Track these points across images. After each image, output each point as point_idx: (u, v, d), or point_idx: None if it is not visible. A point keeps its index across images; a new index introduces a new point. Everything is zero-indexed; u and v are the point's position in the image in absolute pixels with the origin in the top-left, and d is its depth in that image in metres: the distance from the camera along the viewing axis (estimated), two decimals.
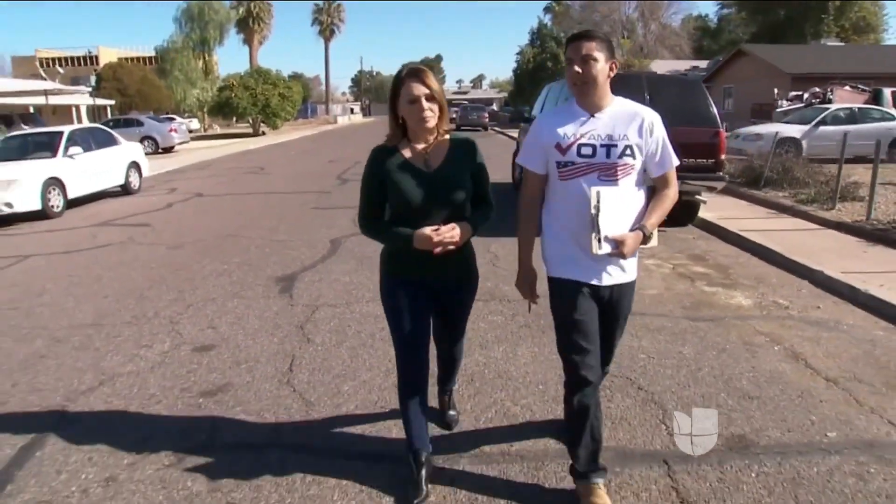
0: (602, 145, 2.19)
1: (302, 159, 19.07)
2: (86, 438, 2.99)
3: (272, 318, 4.61)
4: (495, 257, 6.10)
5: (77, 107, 32.40)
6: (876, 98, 17.09)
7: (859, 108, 15.34)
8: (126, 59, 49.82)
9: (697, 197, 7.52)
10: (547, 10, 60.80)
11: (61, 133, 10.65)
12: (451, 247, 2.24)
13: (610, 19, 54.77)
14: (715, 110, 7.39)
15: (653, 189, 2.31)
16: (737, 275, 5.80)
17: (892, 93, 17.16)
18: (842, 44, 33.17)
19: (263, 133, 36.66)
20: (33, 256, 7.00)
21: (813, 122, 14.90)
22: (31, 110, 26.33)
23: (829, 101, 16.92)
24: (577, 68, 2.15)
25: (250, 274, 5.87)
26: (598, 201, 2.12)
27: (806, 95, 18.10)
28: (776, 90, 20.72)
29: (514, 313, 4.59)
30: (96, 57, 55.35)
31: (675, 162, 2.30)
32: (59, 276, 6.03)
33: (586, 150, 2.19)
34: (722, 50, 38.39)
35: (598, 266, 2.26)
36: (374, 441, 2.91)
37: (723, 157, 7.29)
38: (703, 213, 8.17)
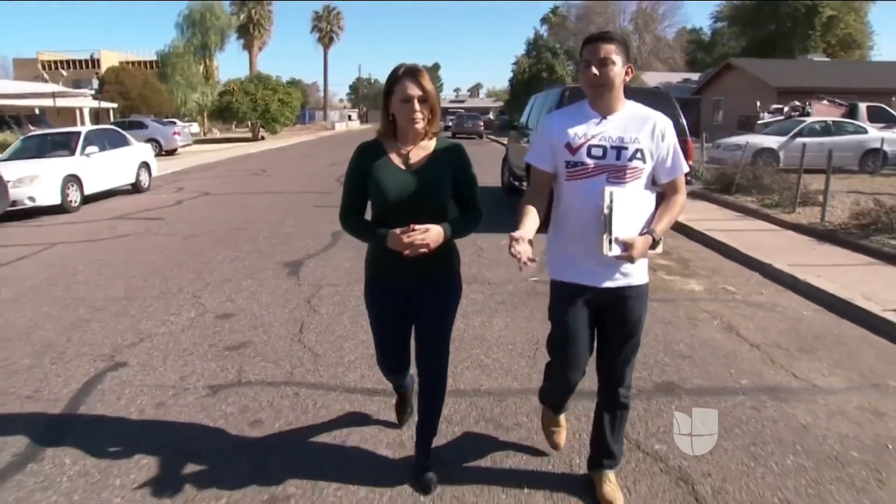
0: (613, 147, 2.17)
1: (302, 163, 19.77)
2: (135, 378, 3.67)
3: (282, 294, 5.29)
4: (480, 249, 6.78)
5: (80, 109, 33.05)
6: (852, 112, 17.92)
7: (834, 122, 16.13)
8: (127, 62, 50.33)
9: None
10: (543, 20, 61.81)
11: (79, 133, 11.34)
12: (423, 250, 2.20)
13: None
14: (684, 121, 8.11)
15: (661, 195, 2.28)
16: (695, 267, 6.50)
17: (867, 107, 17.99)
18: (827, 59, 34.17)
19: (263, 138, 37.34)
20: (60, 244, 7.66)
21: (790, 134, 15.69)
22: (37, 112, 27.01)
23: (808, 115, 17.73)
24: (594, 70, 2.13)
25: (261, 260, 6.55)
26: (612, 201, 2.09)
27: (786, 109, 18.93)
28: (758, 103, 21.57)
29: (492, 293, 5.28)
30: (98, 60, 55.84)
31: (685, 168, 2.28)
32: (88, 260, 6.70)
33: (597, 152, 2.18)
34: (715, 63, 39.35)
35: (601, 270, 2.23)
36: (371, 380, 3.58)
37: (691, 162, 8.02)
38: None
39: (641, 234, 2.15)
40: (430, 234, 2.21)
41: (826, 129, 15.74)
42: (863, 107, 17.93)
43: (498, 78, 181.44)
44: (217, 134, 44.86)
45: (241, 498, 2.52)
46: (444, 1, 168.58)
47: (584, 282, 2.26)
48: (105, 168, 11.42)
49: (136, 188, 12.66)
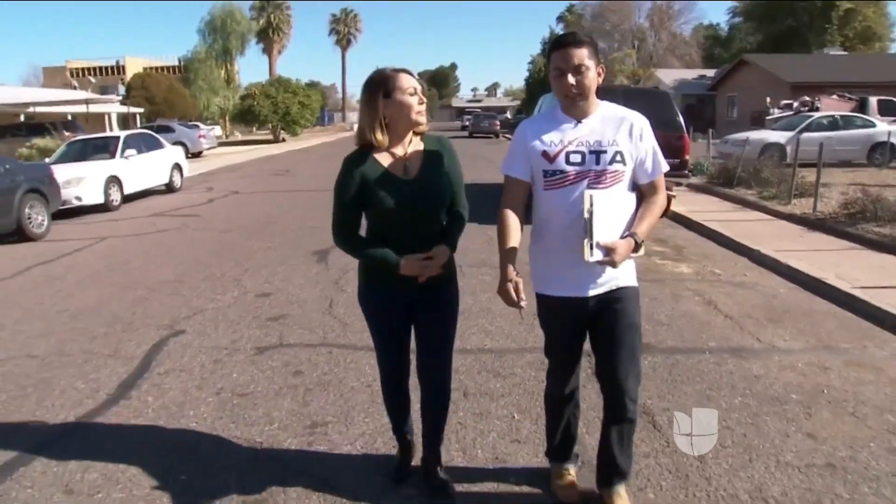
0: (591, 152, 2.10)
1: (324, 163, 20.56)
2: (194, 342, 4.37)
3: (313, 277, 5.98)
4: (490, 238, 7.41)
5: (108, 115, 34.29)
6: (862, 106, 18.17)
7: (842, 116, 16.44)
8: (151, 68, 51.58)
9: (669, 193, 8.81)
10: (559, 19, 62.16)
11: (118, 137, 12.20)
12: (437, 272, 2.23)
13: (621, 28, 56.04)
14: (681, 118, 8.67)
15: (640, 196, 2.22)
16: (688, 252, 7.06)
17: (878, 101, 18.23)
18: (843, 53, 34.13)
19: (284, 140, 38.32)
20: (109, 238, 8.45)
21: (797, 129, 16.05)
22: (69, 118, 28.20)
23: (817, 110, 18.04)
24: (570, 80, 2.05)
25: (291, 249, 7.26)
26: (592, 205, 2.02)
27: (795, 104, 19.24)
28: (768, 99, 21.87)
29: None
30: (123, 66, 57.38)
31: (665, 168, 2.22)
32: (137, 251, 7.47)
33: (575, 158, 2.11)
34: (733, 58, 39.43)
35: (585, 278, 2.18)
36: None
37: (687, 157, 8.58)
38: (675, 206, 9.42)
39: (623, 237, 2.09)
40: (444, 257, 2.23)
41: (833, 124, 16.05)
42: (873, 100, 18.18)
43: (515, 77, 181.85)
44: (239, 136, 45.96)
45: (289, 424, 3.19)
46: (460, 1, 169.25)
47: (569, 293, 2.20)
48: (142, 169, 12.25)
49: (169, 188, 13.50)
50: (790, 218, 8.64)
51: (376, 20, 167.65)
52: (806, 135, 15.84)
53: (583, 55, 2.04)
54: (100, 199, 10.79)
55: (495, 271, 2.40)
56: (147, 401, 3.48)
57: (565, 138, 2.13)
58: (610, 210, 2.07)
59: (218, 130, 44.37)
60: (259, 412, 3.32)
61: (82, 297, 5.59)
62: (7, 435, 3.15)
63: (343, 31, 68.48)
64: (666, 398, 3.41)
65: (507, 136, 37.58)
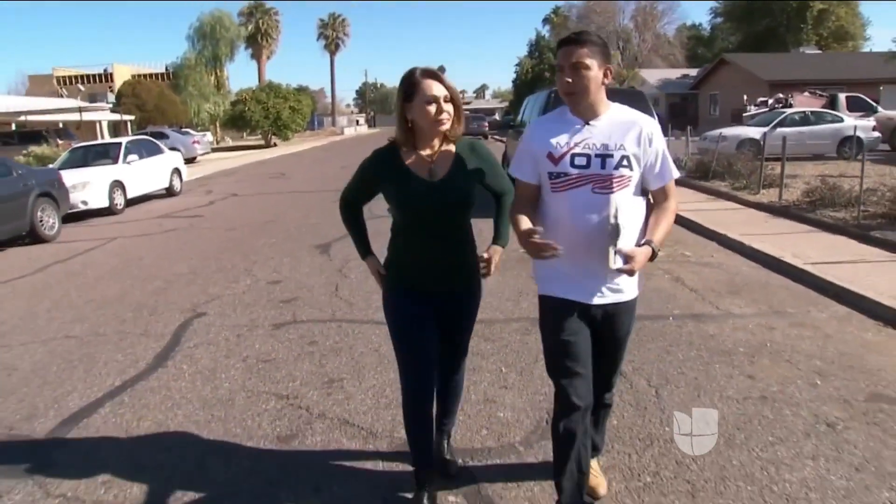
0: (597, 155, 2.04)
1: (317, 166, 21.06)
2: (216, 321, 4.89)
3: (318, 266, 6.51)
4: (481, 231, 7.98)
5: (99, 122, 34.54)
6: (832, 102, 18.95)
7: (813, 112, 17.17)
8: (139, 75, 51.65)
9: None
10: (546, 21, 62.97)
11: (120, 144, 12.67)
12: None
13: (605, 30, 56.97)
14: (655, 117, 9.25)
15: (649, 201, 2.17)
16: None
17: (847, 97, 19.02)
18: (819, 52, 35.11)
19: (275, 144, 38.73)
20: (118, 238, 8.93)
21: (771, 125, 16.75)
22: (60, 126, 28.48)
23: (791, 106, 18.79)
24: (567, 77, 2.01)
25: (295, 244, 7.78)
26: (618, 210, 1.98)
27: (770, 101, 19.99)
28: (745, 96, 22.64)
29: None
30: (111, 74, 57.39)
31: (676, 174, 2.17)
32: (148, 249, 7.96)
33: (580, 161, 2.05)
34: (716, 58, 40.39)
35: (590, 284, 2.12)
36: None
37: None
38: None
39: (639, 244, 2.03)
40: (497, 256, 2.42)
41: (805, 120, 16.79)
42: (842, 97, 18.98)
43: (503, 79, 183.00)
44: (230, 142, 46.30)
45: (309, 381, 3.72)
46: (448, 2, 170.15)
47: (575, 297, 2.13)
48: (143, 174, 12.72)
49: (169, 192, 13.97)
50: (758, 206, 9.26)
51: (364, 24, 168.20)
52: (779, 130, 16.60)
53: (582, 53, 1.99)
54: (105, 203, 11.25)
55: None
56: (182, 368, 4.01)
57: (572, 140, 2.08)
58: (627, 216, 2.03)
59: (209, 136, 44.78)
60: (282, 373, 3.85)
61: (105, 289, 6.09)
62: (66, 396, 3.66)
63: (331, 36, 68.91)
64: (632, 353, 3.96)
65: (496, 136, 38.24)
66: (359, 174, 2.35)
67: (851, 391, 3.42)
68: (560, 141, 2.09)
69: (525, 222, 2.09)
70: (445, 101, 2.13)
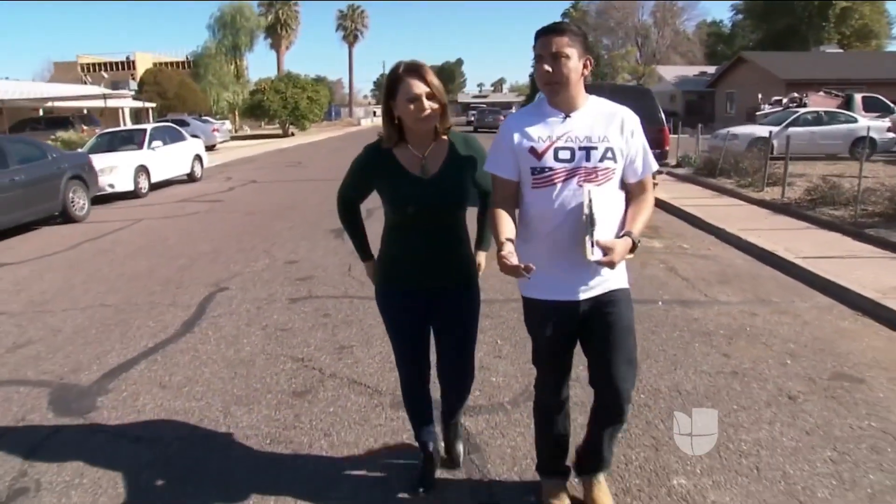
0: (581, 148, 2.01)
1: (334, 155, 21.48)
2: (237, 295, 5.30)
3: (333, 249, 6.90)
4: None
5: (122, 109, 35.28)
6: (848, 103, 18.97)
7: (826, 112, 17.23)
8: (161, 63, 52.35)
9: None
10: (564, 15, 62.79)
11: (145, 130, 13.16)
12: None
13: (624, 25, 56.75)
14: (661, 114, 9.57)
15: (628, 195, 2.13)
16: (663, 231, 7.94)
17: (863, 98, 19.02)
18: (840, 51, 34.84)
19: (293, 134, 39.23)
20: (144, 220, 9.40)
21: (783, 124, 16.87)
22: (85, 112, 29.20)
23: (805, 106, 18.84)
24: (546, 67, 1.97)
25: (311, 228, 8.19)
26: (591, 200, 1.95)
27: (784, 100, 20.05)
28: (759, 95, 22.68)
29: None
30: (133, 62, 58.25)
31: (655, 167, 2.15)
32: (173, 230, 8.41)
33: (564, 154, 2.01)
34: (736, 56, 40.22)
35: (575, 281, 2.08)
36: None
37: (667, 147, 9.48)
38: (658, 194, 10.29)
39: (618, 236, 2.01)
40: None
41: (817, 119, 16.87)
42: (858, 97, 18.98)
43: (521, 73, 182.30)
44: (248, 131, 46.89)
45: (322, 346, 4.11)
46: None
47: (559, 297, 2.10)
48: (167, 160, 13.21)
49: (190, 178, 14.45)
50: (760, 203, 9.50)
51: (383, 16, 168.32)
52: (791, 129, 16.72)
53: (562, 42, 1.95)
54: (130, 187, 11.74)
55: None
56: (208, 333, 4.42)
57: (553, 133, 2.03)
58: (606, 208, 2.00)
59: (228, 125, 45.43)
60: (298, 340, 4.24)
61: (134, 264, 6.53)
62: (105, 354, 4.08)
63: (350, 27, 69.23)
64: None
65: None
66: (352, 171, 2.32)
67: (817, 370, 3.73)
68: (541, 135, 2.04)
69: (505, 230, 2.04)
70: (428, 98, 2.07)
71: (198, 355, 4.03)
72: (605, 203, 2.01)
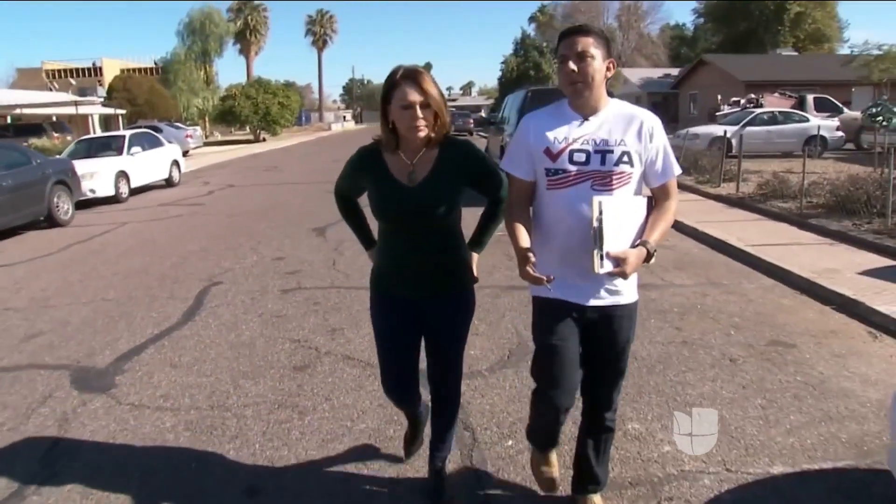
0: (596, 151, 1.99)
1: (308, 160, 21.76)
2: (231, 288, 5.66)
3: (316, 246, 7.28)
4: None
5: (91, 116, 34.91)
6: (801, 103, 19.96)
7: (781, 112, 18.14)
8: (128, 70, 51.72)
9: None
10: (531, 19, 63.81)
11: (124, 136, 13.34)
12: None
13: None
14: None
15: (651, 200, 2.07)
16: None
17: (815, 98, 20.04)
18: (795, 53, 36.26)
19: (264, 139, 39.25)
20: (129, 223, 9.64)
21: (741, 124, 17.71)
22: (54, 119, 28.91)
23: (761, 106, 19.76)
24: (572, 66, 1.95)
25: (294, 227, 8.55)
26: (601, 213, 1.89)
27: (742, 101, 20.98)
28: (719, 96, 23.64)
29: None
30: (100, 68, 57.41)
31: (678, 171, 2.10)
32: (159, 232, 8.69)
33: (579, 157, 1.99)
34: (698, 58, 41.57)
35: (587, 285, 2.05)
36: None
37: None
38: None
39: (634, 245, 1.96)
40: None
41: (773, 119, 17.75)
42: (810, 98, 19.99)
43: (489, 76, 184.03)
44: (218, 137, 46.68)
45: (315, 329, 4.51)
46: (435, 1, 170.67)
47: (569, 298, 2.06)
48: (146, 165, 13.40)
49: (168, 183, 14.64)
50: (717, 198, 10.16)
51: (352, 21, 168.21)
52: (748, 129, 17.58)
53: (588, 43, 1.94)
54: (111, 192, 11.92)
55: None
56: (208, 321, 4.78)
57: (571, 135, 2.01)
58: (620, 217, 1.94)
59: (199, 131, 45.17)
60: (293, 325, 4.63)
61: (127, 263, 6.82)
62: (115, 341, 4.42)
63: (319, 32, 69.21)
64: None
65: (481, 133, 39.09)
66: (346, 169, 2.34)
67: (757, 339, 4.26)
68: (558, 136, 2.02)
69: (523, 236, 2.05)
70: (423, 108, 2.01)
71: (202, 340, 4.39)
72: (620, 211, 1.95)
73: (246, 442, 3.00)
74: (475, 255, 2.39)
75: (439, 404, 2.45)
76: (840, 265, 5.89)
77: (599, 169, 1.99)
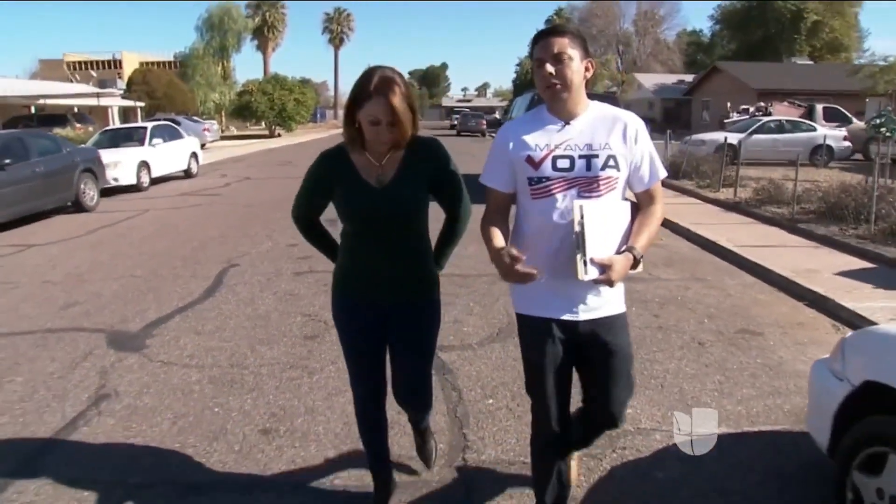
0: (581, 156, 1.91)
1: None
2: (248, 269, 6.14)
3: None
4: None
5: (110, 108, 35.71)
6: (810, 112, 20.20)
7: (788, 120, 18.41)
8: (147, 63, 52.55)
9: None
10: (548, 22, 64.08)
11: (146, 128, 13.90)
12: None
13: (606, 33, 58.18)
14: None
15: (636, 205, 2.01)
16: None
17: (824, 108, 20.27)
18: (810, 62, 36.37)
19: (279, 135, 39.88)
20: (151, 210, 10.16)
21: (748, 131, 18.00)
22: (76, 110, 29.69)
23: (770, 114, 20.02)
24: (549, 69, 1.87)
25: None
26: (583, 217, 1.82)
27: (751, 109, 21.24)
28: (728, 104, 23.92)
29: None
30: (120, 61, 58.39)
31: (663, 174, 2.04)
32: (180, 219, 9.20)
33: (563, 163, 1.92)
34: (712, 65, 41.85)
35: (573, 299, 1.97)
36: None
37: None
38: None
39: (620, 252, 1.89)
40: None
41: (780, 127, 18.02)
42: (819, 107, 20.22)
43: (504, 78, 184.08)
44: (234, 131, 47.42)
45: (325, 306, 4.84)
46: (452, 1, 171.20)
47: (555, 315, 1.99)
48: (166, 156, 13.95)
49: (187, 174, 15.19)
50: (715, 202, 10.51)
51: (369, 19, 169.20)
52: (755, 136, 17.87)
53: (564, 44, 1.87)
54: (133, 181, 12.47)
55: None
56: (228, 298, 5.25)
57: (552, 141, 1.93)
58: (604, 222, 1.87)
59: (215, 125, 45.90)
60: (304, 302, 5.09)
61: (152, 246, 7.33)
62: (144, 311, 4.91)
63: (336, 30, 69.91)
64: None
65: (493, 134, 39.50)
66: (306, 182, 2.22)
67: (728, 327, 4.65)
68: (539, 143, 1.94)
69: (498, 238, 1.97)
70: (390, 125, 1.94)
71: (222, 312, 4.86)
72: (605, 216, 1.88)
73: (262, 393, 3.45)
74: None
75: (411, 415, 2.55)
76: (820, 266, 6.26)
77: (585, 174, 1.91)
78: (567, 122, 1.95)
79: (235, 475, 2.72)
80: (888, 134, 14.21)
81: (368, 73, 1.94)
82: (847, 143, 17.91)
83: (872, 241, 6.96)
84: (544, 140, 1.94)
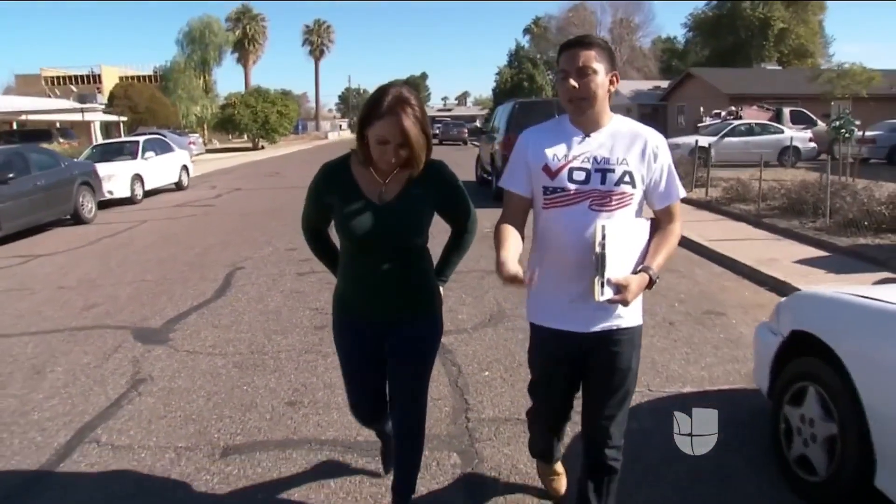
0: (597, 170, 1.89)
1: (308, 166, 22.54)
2: (254, 271, 6.54)
3: None
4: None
5: (92, 123, 35.70)
6: (778, 115, 21.06)
7: (758, 123, 19.21)
8: (127, 77, 52.39)
9: None
10: (526, 31, 65.14)
11: (138, 142, 14.23)
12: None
13: None
14: None
15: (654, 223, 1.97)
16: None
17: (791, 111, 21.15)
18: (778, 68, 37.57)
19: (262, 147, 40.12)
20: (148, 221, 10.51)
21: (720, 135, 18.76)
22: (58, 126, 29.73)
23: (740, 118, 20.85)
24: (572, 82, 1.84)
25: None
26: (604, 237, 1.77)
27: (723, 113, 22.07)
28: (702, 108, 24.76)
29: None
30: (99, 75, 58.08)
31: (682, 193, 2.02)
32: (178, 228, 9.57)
33: (579, 175, 1.89)
34: (686, 71, 42.97)
35: (585, 309, 1.93)
36: None
37: None
38: None
39: (636, 271, 1.86)
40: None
41: (750, 130, 18.81)
42: (786, 111, 21.10)
43: (485, 86, 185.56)
44: (217, 144, 47.53)
45: (330, 301, 5.37)
46: (432, 11, 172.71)
47: (566, 327, 1.99)
48: (158, 169, 14.29)
49: (178, 186, 15.51)
50: (687, 201, 11.08)
51: (349, 30, 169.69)
52: (727, 139, 18.63)
53: (589, 57, 1.84)
54: (127, 194, 12.79)
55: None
56: (238, 296, 5.66)
57: (570, 153, 1.93)
58: (622, 241, 1.84)
59: (199, 138, 45.94)
60: (310, 298, 5.52)
61: (157, 253, 7.70)
62: (162, 310, 5.30)
63: (316, 42, 70.24)
64: None
65: (474, 142, 40.12)
66: (311, 195, 2.17)
67: (695, 309, 5.17)
68: (557, 153, 1.94)
69: (507, 245, 1.88)
70: (399, 148, 1.90)
71: (235, 309, 5.27)
72: (622, 235, 1.85)
73: (283, 374, 3.89)
74: (440, 287, 2.28)
75: (402, 441, 2.27)
76: (781, 256, 6.83)
77: (599, 188, 1.89)
78: (588, 135, 1.94)
79: (270, 438, 3.15)
80: (847, 135, 15.02)
81: (382, 91, 1.92)
82: (813, 145, 18.73)
83: (828, 232, 7.57)
84: (563, 150, 1.94)
